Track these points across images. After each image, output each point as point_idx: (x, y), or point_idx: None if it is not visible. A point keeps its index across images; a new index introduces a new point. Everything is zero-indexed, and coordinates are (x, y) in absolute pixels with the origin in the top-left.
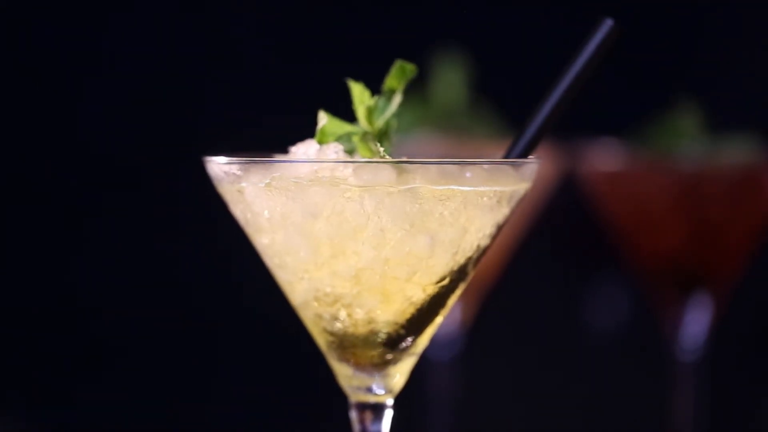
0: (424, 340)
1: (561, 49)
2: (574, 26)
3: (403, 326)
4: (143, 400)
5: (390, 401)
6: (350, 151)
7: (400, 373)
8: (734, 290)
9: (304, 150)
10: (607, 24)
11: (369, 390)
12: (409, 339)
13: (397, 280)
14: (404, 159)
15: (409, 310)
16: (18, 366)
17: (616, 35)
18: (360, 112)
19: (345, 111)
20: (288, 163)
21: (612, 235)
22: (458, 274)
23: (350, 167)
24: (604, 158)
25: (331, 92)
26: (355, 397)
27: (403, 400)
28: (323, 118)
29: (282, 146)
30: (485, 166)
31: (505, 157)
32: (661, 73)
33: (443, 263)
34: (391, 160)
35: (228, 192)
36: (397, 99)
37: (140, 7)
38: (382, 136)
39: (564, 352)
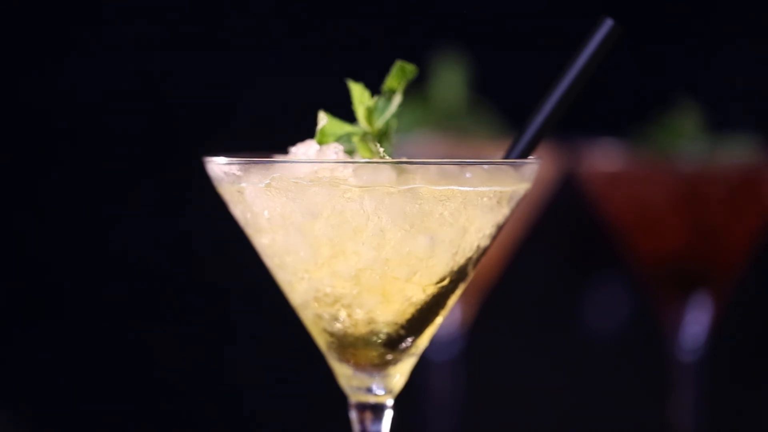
0: (424, 341)
1: (561, 49)
2: (574, 26)
3: (403, 326)
4: (142, 399)
5: (390, 401)
6: (350, 152)
7: (400, 374)
8: (734, 290)
9: (304, 150)
10: (607, 24)
11: (369, 390)
12: (409, 339)
13: (397, 280)
14: (404, 159)
15: (409, 311)
16: (17, 366)
17: (616, 35)
18: (360, 112)
19: (345, 111)
20: (288, 164)
21: (612, 235)
22: (458, 275)
23: (350, 167)
24: (604, 158)
25: (331, 92)
26: (355, 397)
27: (403, 400)
28: (323, 119)
29: (282, 146)
30: (485, 167)
31: (505, 158)
32: (661, 73)
33: (443, 263)
34: (391, 160)
35: (228, 192)
36: (397, 99)
37: (141, 7)
38: (382, 136)
39: (564, 352)
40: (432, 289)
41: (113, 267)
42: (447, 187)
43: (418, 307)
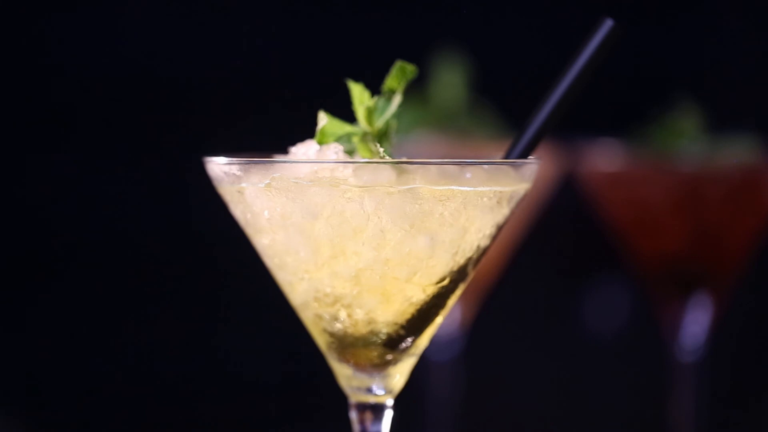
0: (424, 341)
1: (561, 49)
2: (574, 26)
3: (403, 327)
4: (141, 399)
5: (390, 402)
6: (350, 152)
7: (400, 374)
8: (734, 290)
9: (304, 150)
10: (607, 24)
11: (369, 390)
12: (409, 339)
13: (397, 280)
14: (404, 159)
15: (409, 311)
16: (18, 366)
17: (616, 35)
18: (360, 112)
19: (345, 111)
20: (288, 164)
21: (612, 235)
22: (458, 275)
23: (350, 168)
24: (604, 158)
25: (331, 92)
26: (355, 397)
27: (403, 400)
28: (323, 119)
29: (282, 146)
30: (485, 167)
31: (505, 158)
32: (661, 73)
33: (443, 264)
34: (391, 160)
35: (228, 192)
36: (397, 99)
37: (142, 7)
38: (381, 136)
39: (564, 353)
40: (432, 289)
41: (113, 267)
42: (447, 187)
43: (418, 307)
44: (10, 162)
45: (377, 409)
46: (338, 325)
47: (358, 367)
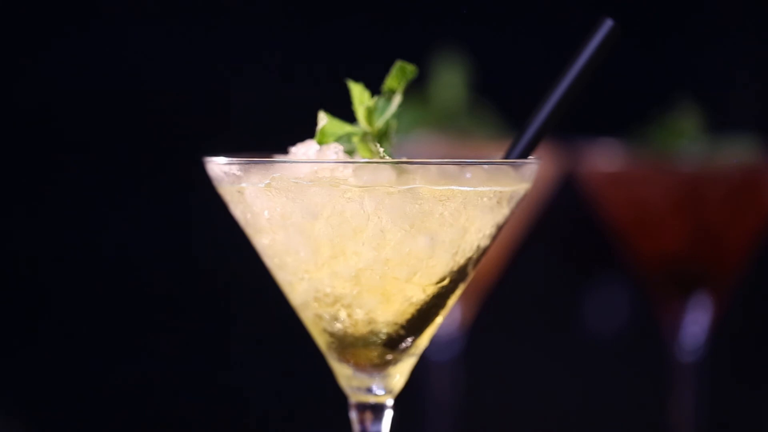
0: (424, 341)
1: (561, 49)
2: (574, 26)
3: (403, 327)
4: (141, 399)
5: (390, 402)
6: (350, 152)
7: (400, 374)
8: (734, 290)
9: (304, 150)
10: (607, 24)
11: (369, 390)
12: (409, 339)
13: (397, 280)
14: (404, 159)
15: (409, 311)
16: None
17: (616, 35)
18: (360, 112)
19: (345, 111)
20: (288, 164)
21: (612, 235)
22: (458, 275)
23: (350, 168)
24: (604, 158)
25: (331, 92)
26: (355, 397)
27: (403, 400)
28: (323, 119)
29: (282, 146)
30: (485, 167)
31: (505, 158)
32: (661, 73)
33: (443, 264)
34: (391, 160)
35: (228, 192)
36: (397, 100)
37: (142, 7)
38: (381, 136)
39: (564, 353)
40: (432, 289)
41: (113, 268)
42: (447, 187)
43: (418, 307)
44: (11, 163)
45: (377, 409)
46: (338, 325)
47: (358, 367)
